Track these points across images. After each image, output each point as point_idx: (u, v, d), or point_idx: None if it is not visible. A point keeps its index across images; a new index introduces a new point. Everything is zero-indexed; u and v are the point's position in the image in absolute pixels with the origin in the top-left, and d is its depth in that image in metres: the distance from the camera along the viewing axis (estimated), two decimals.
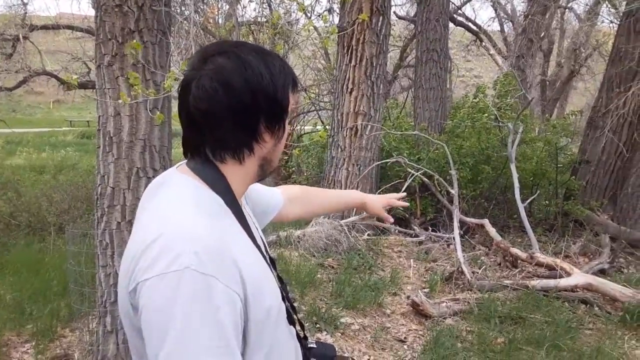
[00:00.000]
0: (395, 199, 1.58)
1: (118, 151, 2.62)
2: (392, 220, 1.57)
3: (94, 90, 3.19)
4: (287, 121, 0.95)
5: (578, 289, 4.01)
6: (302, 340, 1.09)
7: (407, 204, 1.69)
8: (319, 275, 4.16)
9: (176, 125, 0.94)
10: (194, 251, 0.73)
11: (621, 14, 6.81)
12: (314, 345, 1.13)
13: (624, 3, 7.05)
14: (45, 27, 11.02)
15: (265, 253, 0.96)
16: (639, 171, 5.90)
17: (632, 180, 5.94)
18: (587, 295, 3.99)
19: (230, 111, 0.83)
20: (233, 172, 0.90)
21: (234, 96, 0.83)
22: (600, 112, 6.24)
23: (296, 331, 1.03)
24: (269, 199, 1.28)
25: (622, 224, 5.72)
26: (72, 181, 7.36)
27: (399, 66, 12.61)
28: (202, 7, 3.66)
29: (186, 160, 0.94)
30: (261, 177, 0.97)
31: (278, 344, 0.89)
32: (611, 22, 11.42)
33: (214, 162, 0.89)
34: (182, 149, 0.92)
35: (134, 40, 2.54)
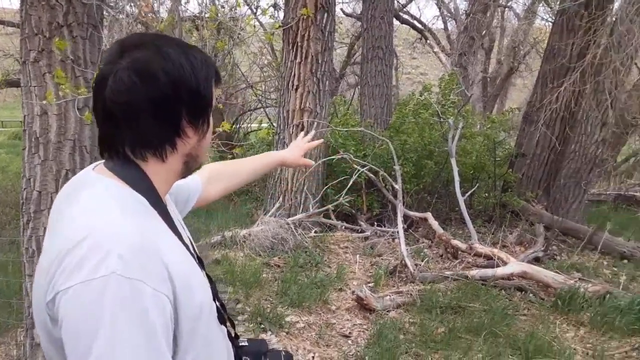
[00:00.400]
0: (306, 141, 1.62)
1: (45, 152, 2.50)
2: (313, 163, 1.63)
3: None
4: (211, 115, 0.92)
5: (514, 277, 4.19)
6: (233, 339, 1.08)
7: (321, 141, 1.74)
8: (264, 275, 4.13)
9: None
10: (119, 254, 0.70)
11: (556, 13, 7.13)
12: (246, 343, 1.12)
13: (558, 2, 7.40)
14: None
15: (193, 252, 0.94)
16: (571, 163, 6.25)
17: (564, 172, 6.29)
18: (523, 282, 4.17)
19: (150, 103, 0.80)
20: (155, 170, 0.86)
21: (153, 88, 0.79)
22: (535, 107, 6.54)
23: (227, 330, 1.02)
24: (189, 184, 1.25)
25: (555, 213, 6.04)
26: (1, 185, 6.94)
27: (346, 63, 12.73)
28: (137, 0, 3.53)
29: (103, 161, 0.89)
30: (186, 175, 0.94)
31: (210, 345, 0.87)
32: (546, 20, 12.02)
33: (134, 162, 0.85)
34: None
35: (63, 35, 2.43)
